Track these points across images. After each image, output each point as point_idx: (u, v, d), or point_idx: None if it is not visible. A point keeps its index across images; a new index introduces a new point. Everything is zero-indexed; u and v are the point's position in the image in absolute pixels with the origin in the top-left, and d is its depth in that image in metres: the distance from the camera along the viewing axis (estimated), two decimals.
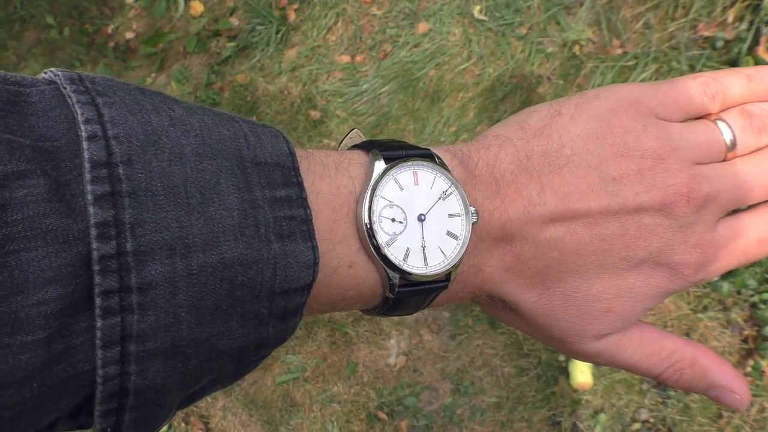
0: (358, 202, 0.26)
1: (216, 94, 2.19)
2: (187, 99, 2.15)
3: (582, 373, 1.41)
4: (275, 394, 1.62)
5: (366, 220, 0.25)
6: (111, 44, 2.48)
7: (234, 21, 2.29)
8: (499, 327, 1.55)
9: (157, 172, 0.20)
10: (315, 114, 2.01)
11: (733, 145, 0.29)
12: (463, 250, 0.27)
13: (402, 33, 2.00)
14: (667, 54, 1.61)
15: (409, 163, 0.27)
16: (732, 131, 0.30)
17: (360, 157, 0.27)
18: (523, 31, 1.85)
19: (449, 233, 0.27)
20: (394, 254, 0.26)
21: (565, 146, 0.28)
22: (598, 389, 1.42)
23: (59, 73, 0.21)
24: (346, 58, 2.05)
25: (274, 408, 1.61)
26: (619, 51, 1.71)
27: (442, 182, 0.27)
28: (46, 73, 0.22)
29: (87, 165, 0.19)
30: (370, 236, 0.25)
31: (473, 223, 0.27)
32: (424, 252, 0.26)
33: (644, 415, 1.37)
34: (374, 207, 0.25)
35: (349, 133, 0.30)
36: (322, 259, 0.24)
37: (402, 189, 0.26)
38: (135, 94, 0.21)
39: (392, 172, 0.26)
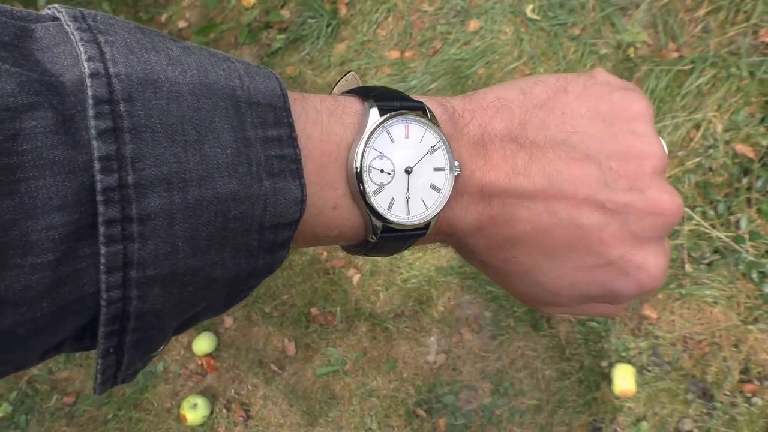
0: (350, 149, 0.27)
1: None
2: None
3: (624, 380, 1.40)
4: (315, 385, 1.64)
5: (357, 168, 0.26)
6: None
7: (285, 13, 2.31)
8: (542, 329, 1.55)
9: (156, 110, 0.21)
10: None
11: None
12: (444, 202, 0.28)
13: (452, 30, 1.99)
14: (726, 59, 1.58)
15: (402, 117, 0.28)
16: None
17: (354, 105, 0.28)
18: (576, 31, 1.83)
19: (432, 186, 0.28)
20: (379, 203, 0.27)
21: (567, 123, 0.28)
22: (641, 397, 1.40)
23: (62, 9, 0.22)
24: (395, 54, 2.05)
25: (314, 399, 1.63)
26: (675, 55, 1.68)
27: (431, 137, 0.28)
28: (50, 9, 0.22)
29: (90, 101, 0.20)
30: (359, 183, 0.26)
31: (456, 176, 0.28)
32: (407, 202, 0.28)
33: (688, 425, 1.36)
34: (366, 157, 0.26)
35: (345, 75, 0.31)
36: (309, 199, 0.25)
37: (393, 141, 0.27)
38: (135, 33, 0.22)
39: (385, 124, 0.27)
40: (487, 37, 1.94)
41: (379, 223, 0.27)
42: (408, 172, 0.28)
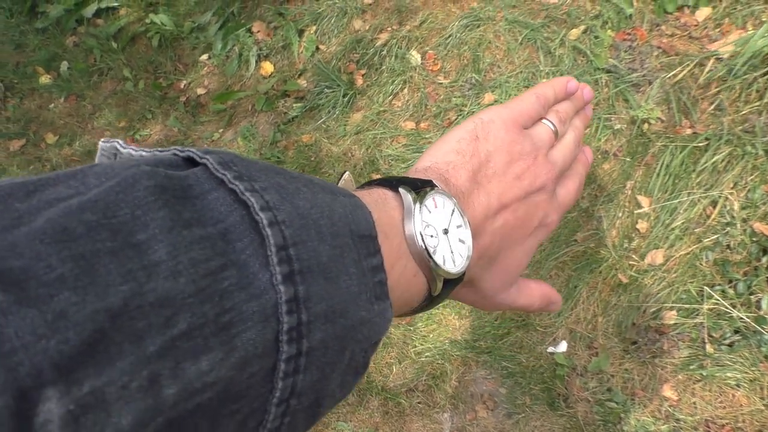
0: (404, 225, 0.32)
1: (281, 152, 2.24)
2: (252, 156, 2.20)
3: None
4: None
5: (420, 240, 0.31)
6: (182, 99, 2.57)
7: (302, 83, 2.35)
8: (559, 409, 1.51)
9: (312, 252, 0.23)
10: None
11: (557, 133, 0.43)
12: (470, 251, 0.34)
13: (467, 102, 2.02)
14: (741, 137, 1.58)
15: (428, 193, 0.34)
16: (554, 125, 0.43)
17: (386, 192, 0.33)
18: (590, 106, 1.85)
19: (460, 240, 0.34)
20: (440, 263, 0.32)
21: (489, 161, 0.38)
22: None
23: (207, 156, 0.23)
24: (410, 125, 2.08)
25: None
26: (689, 131, 1.69)
27: (448, 202, 0.34)
28: (182, 151, 0.24)
29: (273, 248, 0.22)
30: (429, 257, 0.32)
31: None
32: (453, 257, 0.33)
33: None
34: (422, 230, 0.32)
35: (343, 175, 0.37)
36: (396, 272, 0.30)
37: (430, 212, 0.33)
38: (273, 177, 0.24)
39: (421, 201, 0.33)
40: None
41: (440, 280, 0.32)
42: (446, 233, 0.33)
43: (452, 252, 0.33)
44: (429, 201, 0.33)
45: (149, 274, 0.19)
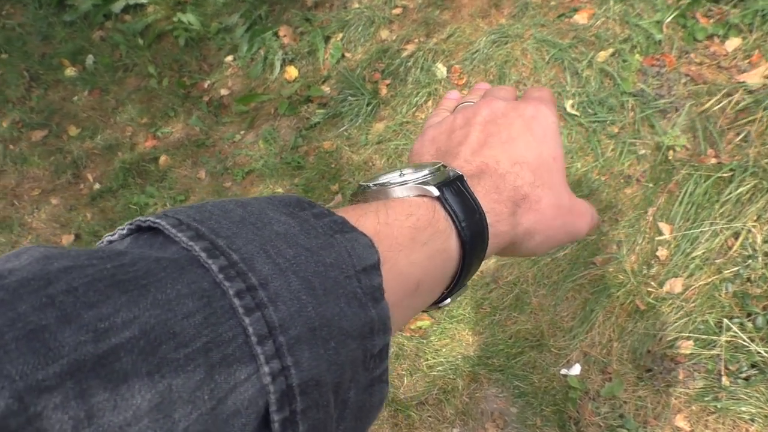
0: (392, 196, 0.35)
1: (301, 157, 2.25)
2: (273, 160, 2.20)
3: None
4: None
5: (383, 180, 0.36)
6: (205, 98, 2.58)
7: (326, 89, 2.36)
8: (569, 430, 1.51)
9: (222, 217, 0.24)
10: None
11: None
12: (430, 167, 0.36)
13: None
14: (766, 170, 1.58)
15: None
16: (468, 102, 0.46)
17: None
18: (615, 129, 1.85)
19: (415, 168, 0.36)
20: (411, 177, 0.35)
21: (437, 141, 0.43)
22: None
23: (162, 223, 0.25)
24: None
25: None
26: (714, 161, 1.69)
27: (393, 172, 0.38)
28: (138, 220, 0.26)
29: (171, 229, 0.24)
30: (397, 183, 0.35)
31: (440, 166, 0.37)
32: (413, 173, 0.36)
33: None
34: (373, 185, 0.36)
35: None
36: (386, 230, 0.31)
37: (384, 175, 0.37)
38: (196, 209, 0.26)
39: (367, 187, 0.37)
40: None
41: (431, 188, 0.34)
42: (402, 175, 0.36)
43: (412, 169, 0.36)
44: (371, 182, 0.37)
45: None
